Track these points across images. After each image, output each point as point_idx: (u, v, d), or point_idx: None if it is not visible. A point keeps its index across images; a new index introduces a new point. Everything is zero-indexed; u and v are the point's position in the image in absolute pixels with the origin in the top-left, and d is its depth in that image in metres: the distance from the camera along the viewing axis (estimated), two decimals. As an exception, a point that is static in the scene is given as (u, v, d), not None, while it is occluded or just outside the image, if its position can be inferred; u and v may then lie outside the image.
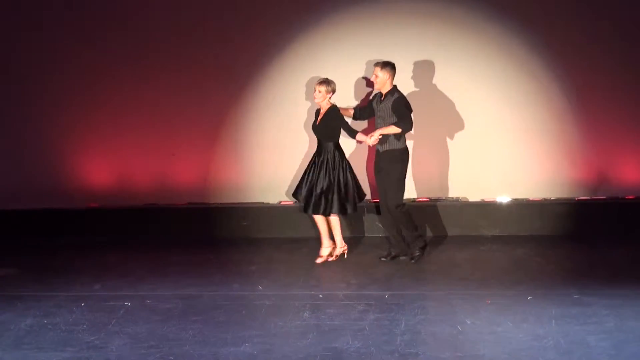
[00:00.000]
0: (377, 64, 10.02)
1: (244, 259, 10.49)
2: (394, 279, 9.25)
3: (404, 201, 10.12)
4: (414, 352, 6.84)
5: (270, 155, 11.62)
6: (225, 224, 11.76)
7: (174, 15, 11.69)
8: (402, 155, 10.03)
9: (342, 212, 10.19)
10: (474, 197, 11.54)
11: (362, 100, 11.26)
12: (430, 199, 11.55)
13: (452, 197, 11.54)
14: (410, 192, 11.48)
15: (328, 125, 10.15)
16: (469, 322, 7.55)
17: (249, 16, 11.62)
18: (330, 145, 10.15)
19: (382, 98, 10.03)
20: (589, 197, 11.38)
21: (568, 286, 8.67)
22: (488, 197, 11.52)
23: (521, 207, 11.43)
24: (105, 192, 11.97)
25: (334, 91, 10.21)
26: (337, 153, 10.16)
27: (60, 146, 11.96)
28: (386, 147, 9.98)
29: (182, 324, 7.79)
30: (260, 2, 11.63)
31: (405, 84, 10.84)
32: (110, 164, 11.95)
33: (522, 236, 11.13)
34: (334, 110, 10.18)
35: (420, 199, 11.55)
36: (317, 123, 10.26)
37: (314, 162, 10.25)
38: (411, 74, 11.28)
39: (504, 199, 11.47)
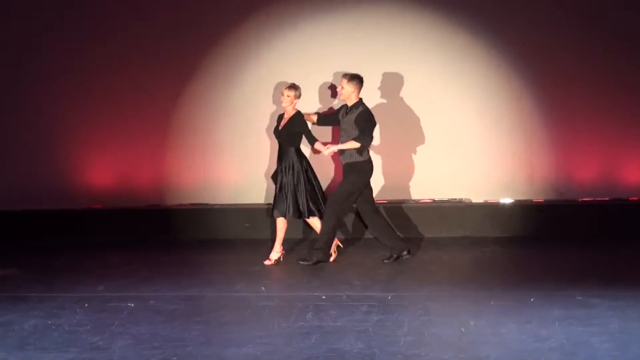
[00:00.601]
0: (344, 76, 10.02)
1: (247, 259, 10.49)
2: (397, 280, 9.25)
3: (342, 210, 10.20)
4: (417, 353, 6.84)
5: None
6: (228, 225, 11.77)
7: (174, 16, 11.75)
8: (364, 166, 10.02)
9: (298, 216, 10.29)
10: (476, 198, 11.54)
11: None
12: (434, 200, 11.55)
13: (455, 199, 11.54)
14: (413, 193, 11.51)
15: (292, 130, 10.21)
16: (472, 323, 7.54)
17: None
18: (292, 150, 10.20)
19: (347, 111, 10.05)
20: (591, 199, 11.38)
21: (571, 288, 8.66)
22: (491, 198, 11.52)
23: (524, 208, 11.42)
24: (108, 193, 11.98)
25: (299, 97, 10.28)
26: (297, 158, 10.19)
27: (63, 148, 11.99)
28: (348, 159, 10.01)
29: (186, 325, 7.79)
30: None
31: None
32: (113, 165, 11.97)
33: (525, 237, 11.13)
34: (298, 116, 10.24)
35: (424, 200, 11.55)
36: (281, 128, 10.29)
37: (280, 170, 10.26)
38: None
39: (507, 200, 11.47)
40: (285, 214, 10.18)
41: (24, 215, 12.01)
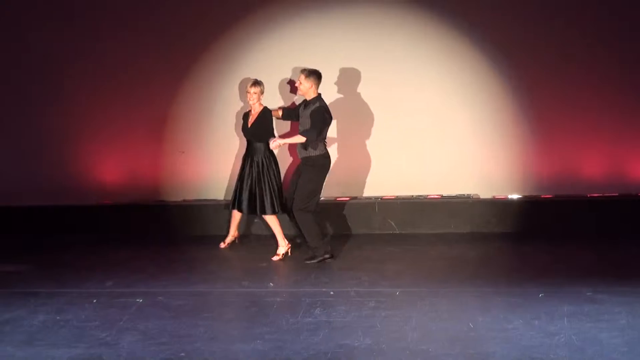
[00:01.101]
0: (302, 71, 10.14)
1: (254, 256, 10.49)
2: (404, 276, 9.25)
3: (309, 207, 10.10)
4: (425, 348, 6.85)
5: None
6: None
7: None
8: (318, 161, 10.11)
9: (273, 212, 10.38)
10: (485, 194, 11.53)
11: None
12: (442, 196, 11.54)
13: (463, 194, 11.53)
14: (421, 189, 11.50)
15: (261, 126, 10.37)
16: (480, 319, 7.55)
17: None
18: (261, 146, 10.35)
19: (305, 105, 10.21)
20: (600, 195, 11.36)
21: (580, 284, 8.64)
22: (499, 194, 11.50)
23: (532, 204, 11.40)
24: (117, 189, 11.99)
25: (263, 92, 10.45)
26: (267, 153, 10.38)
27: (73, 143, 11.99)
28: (303, 154, 10.12)
29: (193, 321, 7.81)
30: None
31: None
32: (122, 161, 11.97)
33: (533, 234, 11.10)
34: (267, 111, 10.43)
35: (432, 196, 11.54)
36: (249, 125, 10.44)
37: (246, 165, 10.43)
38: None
39: (515, 196, 11.46)
40: (237, 208, 10.50)
41: (33, 211, 12.02)
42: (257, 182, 10.31)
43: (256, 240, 11.34)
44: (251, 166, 10.36)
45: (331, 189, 11.43)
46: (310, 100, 10.13)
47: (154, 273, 9.73)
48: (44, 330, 7.62)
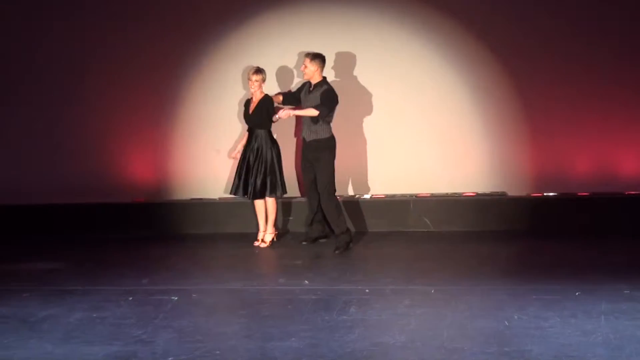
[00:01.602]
0: (307, 55, 10.38)
1: (289, 253, 10.50)
2: (439, 274, 9.21)
3: (334, 190, 10.46)
4: (460, 347, 6.81)
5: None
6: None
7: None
8: (329, 143, 10.38)
9: (273, 195, 10.76)
10: (519, 191, 11.47)
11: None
12: (477, 194, 11.49)
13: (497, 192, 11.48)
14: (456, 186, 11.48)
15: (262, 113, 10.63)
16: (515, 317, 7.50)
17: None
18: (263, 132, 10.66)
19: (311, 89, 10.44)
20: (637, 192, 11.27)
21: (617, 281, 8.57)
22: (534, 191, 11.44)
23: (567, 202, 11.33)
24: (151, 187, 12.04)
25: (265, 80, 10.75)
26: (268, 140, 10.67)
27: (107, 142, 12.06)
28: (314, 136, 10.36)
29: (228, 319, 7.83)
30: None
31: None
32: (155, 159, 12.02)
33: (569, 231, 11.04)
34: (268, 98, 10.69)
35: (468, 193, 11.50)
36: (251, 112, 10.71)
37: (247, 151, 10.74)
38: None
39: (550, 193, 11.39)
40: (239, 194, 10.78)
41: (69, 209, 12.09)
42: (260, 167, 10.62)
43: (292, 238, 11.35)
44: (253, 152, 10.65)
45: (366, 187, 11.45)
46: (316, 84, 10.36)
47: (189, 270, 9.77)
48: (81, 327, 7.65)
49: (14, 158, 12.24)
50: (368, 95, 11.41)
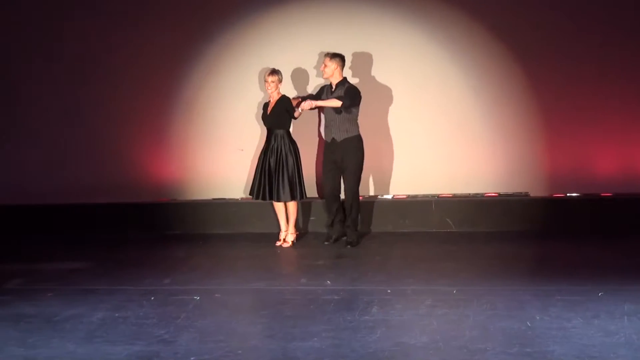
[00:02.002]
0: (327, 54, 10.41)
1: (311, 253, 10.51)
2: (461, 274, 9.19)
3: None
4: (483, 347, 6.80)
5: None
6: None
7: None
8: (359, 143, 10.46)
9: (294, 198, 10.77)
10: (537, 191, 11.44)
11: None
12: (500, 194, 11.47)
13: (521, 192, 11.45)
14: (479, 187, 11.46)
15: (280, 113, 10.68)
16: (538, 317, 7.48)
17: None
18: (283, 132, 10.70)
19: (333, 89, 10.47)
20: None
21: (640, 282, 8.56)
22: (557, 192, 11.41)
23: (590, 202, 11.29)
24: (173, 187, 12.08)
25: (282, 80, 10.82)
26: (287, 140, 10.70)
27: (131, 142, 12.10)
28: (344, 135, 10.41)
29: (250, 319, 7.83)
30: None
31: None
32: (179, 159, 12.06)
33: (591, 232, 10.99)
34: (286, 99, 10.77)
35: (490, 194, 11.48)
36: (269, 113, 10.78)
37: (266, 152, 10.74)
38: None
39: (573, 194, 11.35)
40: (260, 197, 10.79)
41: (94, 209, 12.15)
42: (283, 170, 10.64)
43: (314, 238, 11.36)
44: (274, 154, 10.66)
45: (387, 187, 11.45)
46: (338, 83, 10.43)
47: (212, 270, 9.79)
48: (103, 327, 7.68)
49: (38, 158, 12.30)
50: (389, 95, 11.42)
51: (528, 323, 7.34)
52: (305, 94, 11.27)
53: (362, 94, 10.45)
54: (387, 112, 11.49)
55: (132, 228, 12.02)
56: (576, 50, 11.22)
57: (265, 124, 10.83)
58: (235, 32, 11.80)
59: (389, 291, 8.54)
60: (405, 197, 11.63)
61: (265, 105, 10.87)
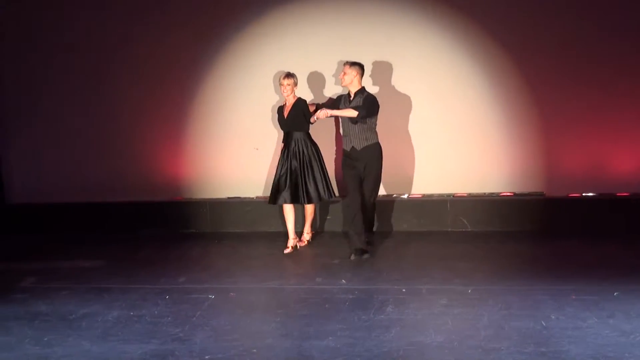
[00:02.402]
0: (346, 62, 10.20)
1: (326, 252, 10.51)
2: (476, 274, 9.19)
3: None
4: (497, 347, 6.80)
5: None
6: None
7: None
8: (379, 151, 10.25)
9: (318, 200, 10.63)
10: (553, 191, 11.41)
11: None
12: (515, 194, 11.45)
13: (536, 192, 11.43)
14: (493, 186, 11.44)
15: (297, 116, 10.51)
16: (553, 317, 7.47)
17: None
18: (301, 134, 10.56)
19: (351, 98, 10.20)
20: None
21: (657, 282, 8.53)
22: (572, 191, 11.38)
23: (606, 202, 11.26)
24: (189, 186, 12.11)
25: (297, 84, 10.65)
26: (307, 142, 10.57)
27: (146, 141, 12.13)
28: (364, 143, 10.17)
29: (265, 317, 7.84)
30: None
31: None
32: (194, 157, 12.08)
33: (607, 231, 10.96)
34: (302, 101, 10.60)
35: (505, 193, 11.46)
36: (286, 116, 10.60)
37: (287, 155, 10.56)
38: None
39: (589, 193, 11.32)
40: (287, 200, 10.56)
41: (109, 207, 12.19)
42: (307, 172, 10.53)
43: (329, 237, 11.36)
44: (295, 157, 10.52)
45: (403, 187, 11.45)
46: (356, 92, 10.18)
47: (227, 269, 9.80)
48: (118, 325, 7.71)
49: (53, 158, 12.35)
50: (405, 96, 11.40)
51: (543, 322, 7.34)
52: (324, 100, 11.26)
53: (379, 96, 10.40)
54: (402, 113, 11.48)
55: (147, 227, 12.04)
56: (594, 49, 11.18)
57: (282, 127, 10.71)
58: (251, 34, 11.80)
59: (404, 290, 8.55)
60: (420, 196, 11.62)
61: (280, 109, 10.78)
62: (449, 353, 6.71)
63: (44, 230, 12.17)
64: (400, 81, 11.42)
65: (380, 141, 10.37)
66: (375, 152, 10.18)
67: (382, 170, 10.31)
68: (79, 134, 12.29)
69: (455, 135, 11.49)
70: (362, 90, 10.20)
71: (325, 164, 10.75)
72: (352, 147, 10.18)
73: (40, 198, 12.38)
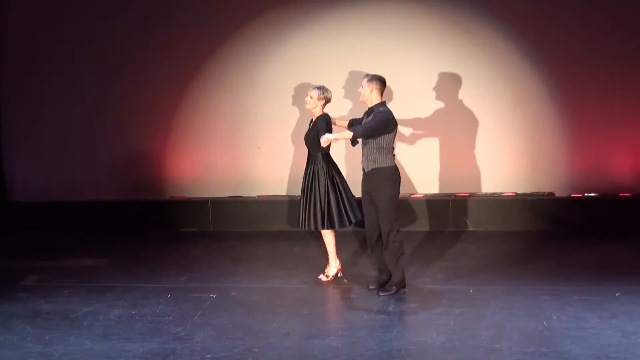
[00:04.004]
0: (365, 76, 9.00)
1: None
2: (478, 274, 9.19)
3: (398, 229, 8.76)
4: (499, 347, 6.80)
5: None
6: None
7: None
8: (391, 174, 8.81)
9: (326, 227, 9.20)
10: (561, 192, 11.41)
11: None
12: (517, 194, 11.44)
13: (540, 192, 11.42)
14: (496, 186, 11.44)
15: (314, 135, 9.15)
16: (555, 317, 7.47)
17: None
18: (318, 155, 9.24)
19: (369, 113, 8.99)
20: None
21: (659, 282, 8.53)
22: (575, 192, 11.37)
23: (609, 202, 11.25)
24: (190, 185, 12.11)
25: (327, 100, 9.33)
26: (323, 164, 9.23)
27: (147, 140, 12.13)
28: (372, 165, 8.82)
29: (267, 317, 7.84)
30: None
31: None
32: (195, 156, 12.08)
33: (610, 232, 10.95)
34: (323, 118, 9.24)
35: (506, 193, 11.46)
36: (306, 133, 9.46)
37: (305, 175, 9.35)
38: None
39: (592, 194, 11.32)
40: (301, 225, 9.32)
41: (111, 206, 12.18)
42: (308, 194, 9.25)
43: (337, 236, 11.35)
44: (307, 177, 9.31)
45: (405, 186, 11.44)
46: (374, 106, 8.91)
47: (228, 268, 9.80)
48: (120, 324, 7.71)
49: (56, 156, 12.35)
50: (407, 95, 11.39)
51: (545, 323, 7.34)
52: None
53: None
54: (403, 112, 11.46)
55: (149, 225, 12.04)
56: (600, 52, 11.17)
57: (305, 144, 9.46)
58: (254, 34, 11.80)
59: (405, 290, 8.55)
60: (422, 196, 11.61)
61: (311, 122, 9.56)
62: (451, 353, 6.71)
63: (46, 228, 12.16)
64: (402, 81, 11.39)
65: None
66: (381, 177, 8.77)
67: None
68: (80, 133, 12.28)
69: (458, 135, 11.47)
70: (379, 105, 8.92)
71: (342, 191, 9.24)
72: (363, 168, 9.04)
73: (42, 197, 12.37)
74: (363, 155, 8.90)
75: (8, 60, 12.37)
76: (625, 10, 11.10)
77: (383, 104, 8.95)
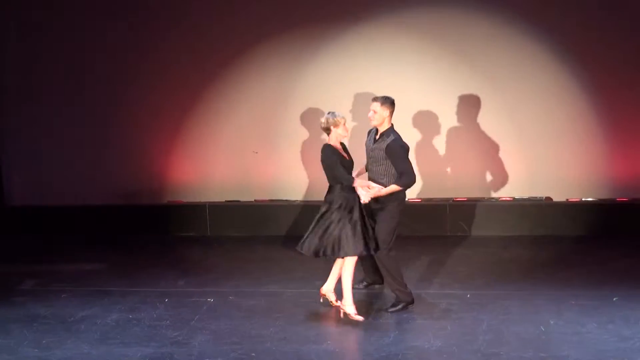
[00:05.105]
0: (375, 99, 8.56)
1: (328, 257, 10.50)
2: (476, 279, 9.19)
3: (392, 246, 8.43)
4: (496, 352, 6.80)
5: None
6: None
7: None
8: (398, 193, 8.48)
9: (307, 251, 8.41)
10: (558, 197, 11.42)
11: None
12: (514, 199, 11.45)
13: (536, 197, 11.42)
14: (493, 191, 11.43)
15: (325, 167, 8.32)
16: (552, 322, 7.48)
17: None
18: (336, 187, 8.28)
19: (377, 137, 8.60)
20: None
21: (657, 287, 8.53)
22: (573, 197, 11.38)
23: (606, 207, 11.26)
24: (188, 189, 12.10)
25: (334, 124, 8.29)
26: (340, 194, 8.24)
27: (146, 145, 12.12)
28: (379, 181, 8.48)
29: (265, 321, 7.84)
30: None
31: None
32: (193, 161, 12.08)
33: (607, 237, 10.96)
34: (327, 148, 8.34)
35: (504, 198, 11.46)
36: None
37: (323, 204, 8.42)
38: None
39: (589, 198, 11.32)
40: (303, 249, 8.46)
41: (109, 210, 12.16)
42: (320, 221, 8.37)
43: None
44: (323, 204, 8.39)
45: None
46: (383, 132, 8.54)
47: (226, 273, 9.80)
48: (117, 328, 7.71)
49: (56, 160, 12.34)
50: (405, 99, 11.37)
51: (542, 327, 7.34)
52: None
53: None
54: (400, 117, 11.45)
55: (147, 230, 12.02)
56: (594, 56, 11.18)
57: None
58: (255, 41, 11.80)
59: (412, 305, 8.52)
60: (419, 200, 11.61)
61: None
62: (448, 358, 6.72)
63: (44, 232, 12.14)
64: (396, 86, 11.38)
65: None
66: (387, 204, 8.43)
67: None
68: (79, 136, 12.26)
69: (456, 140, 11.47)
70: (389, 130, 8.54)
71: (352, 222, 8.22)
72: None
73: (40, 200, 12.35)
74: (369, 171, 8.66)
75: (5, 62, 12.34)
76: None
77: (392, 128, 8.62)
